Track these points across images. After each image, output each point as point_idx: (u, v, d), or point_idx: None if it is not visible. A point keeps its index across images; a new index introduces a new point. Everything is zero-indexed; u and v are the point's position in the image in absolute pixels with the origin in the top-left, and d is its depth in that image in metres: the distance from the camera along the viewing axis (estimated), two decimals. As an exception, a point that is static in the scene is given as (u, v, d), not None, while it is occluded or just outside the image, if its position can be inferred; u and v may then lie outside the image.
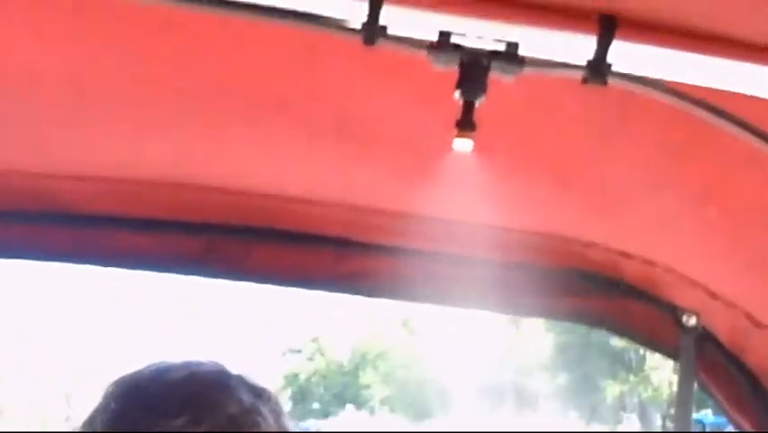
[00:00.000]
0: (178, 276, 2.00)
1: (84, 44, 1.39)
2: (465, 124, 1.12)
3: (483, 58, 1.11)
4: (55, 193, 1.83)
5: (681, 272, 1.83)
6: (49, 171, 1.81)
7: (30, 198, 1.84)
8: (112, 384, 1.24)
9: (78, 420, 1.22)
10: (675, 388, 2.05)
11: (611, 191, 1.64)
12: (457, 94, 1.12)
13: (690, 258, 1.80)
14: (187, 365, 1.24)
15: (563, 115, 1.41)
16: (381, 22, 1.08)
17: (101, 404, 1.20)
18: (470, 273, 1.87)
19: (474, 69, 1.11)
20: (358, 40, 1.09)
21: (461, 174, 1.44)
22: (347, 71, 1.36)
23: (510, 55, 1.11)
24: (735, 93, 1.12)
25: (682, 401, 2.00)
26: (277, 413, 1.23)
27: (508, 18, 1.08)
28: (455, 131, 1.13)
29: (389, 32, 1.10)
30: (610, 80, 1.11)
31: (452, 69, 1.12)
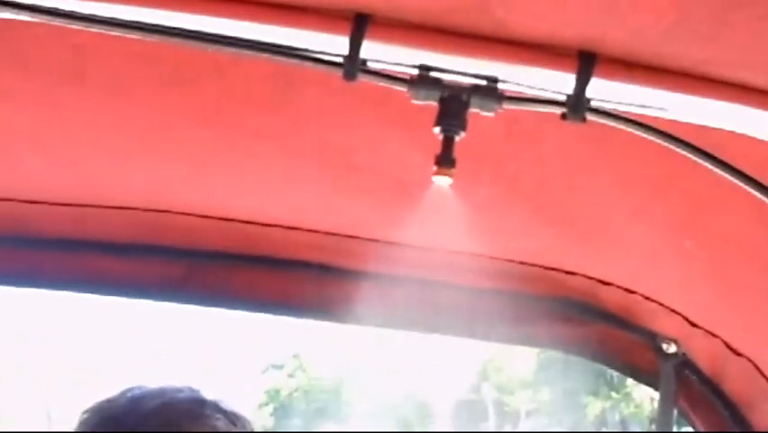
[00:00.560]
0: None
1: (63, 70, 1.38)
2: (445, 160, 1.13)
3: (463, 93, 1.12)
4: (35, 219, 1.83)
5: (660, 301, 1.84)
6: (27, 197, 1.80)
7: (7, 222, 1.83)
8: (87, 412, 1.24)
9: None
10: (656, 405, 2.06)
11: (591, 221, 1.65)
12: (437, 129, 1.13)
13: (668, 287, 1.81)
14: (162, 393, 1.24)
15: (543, 147, 1.41)
16: (362, 55, 1.08)
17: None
18: (450, 301, 1.87)
19: (454, 105, 1.12)
20: (338, 74, 1.10)
21: (441, 203, 1.44)
22: (328, 101, 1.36)
23: (490, 90, 1.11)
24: (712, 128, 1.14)
25: (662, 428, 2.00)
26: None
27: (488, 54, 1.09)
28: (434, 168, 1.13)
29: (370, 65, 1.11)
30: (589, 116, 1.12)
31: (431, 104, 1.12)
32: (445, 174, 1.14)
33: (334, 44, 1.09)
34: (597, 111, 1.12)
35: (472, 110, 1.12)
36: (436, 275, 1.87)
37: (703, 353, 1.90)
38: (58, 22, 1.10)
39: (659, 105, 1.11)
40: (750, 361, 1.84)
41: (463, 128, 1.13)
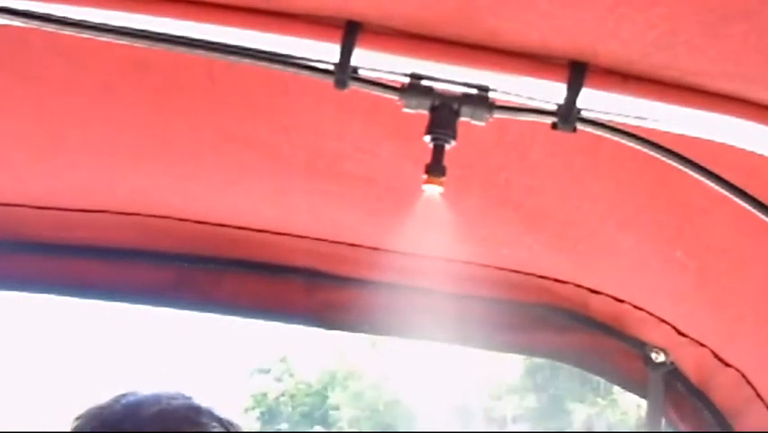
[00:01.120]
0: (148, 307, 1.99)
1: (55, 76, 1.38)
2: (435, 169, 1.13)
3: (454, 102, 1.12)
4: (25, 223, 1.82)
5: (649, 310, 1.84)
6: (18, 201, 1.79)
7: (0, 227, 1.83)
8: (80, 418, 1.22)
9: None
10: (643, 413, 2.07)
11: (581, 230, 1.65)
12: (428, 138, 1.13)
13: (657, 296, 1.81)
14: (157, 400, 1.23)
15: (534, 157, 1.42)
16: (353, 63, 1.08)
17: None
18: (440, 308, 1.87)
19: (445, 114, 1.12)
20: (330, 82, 1.10)
21: (431, 211, 1.44)
22: (319, 110, 1.36)
23: (481, 99, 1.11)
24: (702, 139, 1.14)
25: None
26: None
27: (479, 63, 1.09)
28: (425, 177, 1.13)
29: (361, 73, 1.11)
30: (579, 126, 1.12)
31: (422, 113, 1.12)
32: (436, 183, 1.14)
33: (326, 52, 1.09)
34: (587, 121, 1.12)
35: (463, 119, 1.13)
36: (426, 282, 1.87)
37: (691, 362, 1.91)
38: (50, 28, 1.10)
39: (650, 116, 1.11)
40: (738, 371, 1.84)
41: (454, 137, 1.13)
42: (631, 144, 1.16)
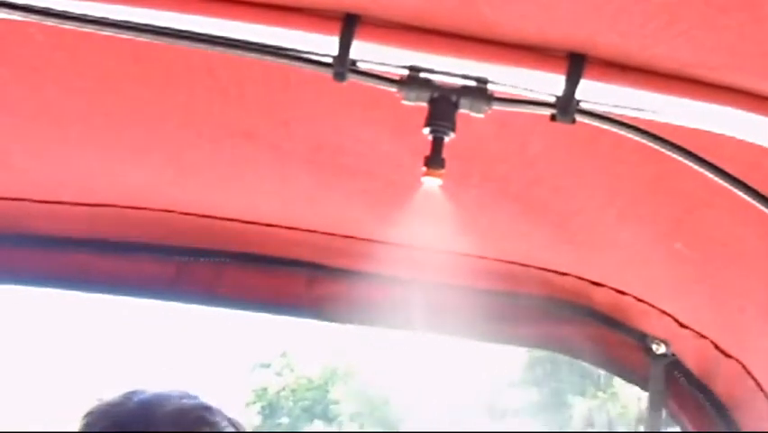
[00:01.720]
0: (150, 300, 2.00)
1: (56, 73, 1.39)
2: (434, 161, 1.13)
3: (453, 94, 1.12)
4: (25, 217, 1.83)
5: (651, 302, 1.84)
6: (19, 195, 1.80)
7: (0, 221, 1.83)
8: (90, 416, 1.21)
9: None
10: (644, 405, 2.07)
11: (581, 222, 1.65)
12: (427, 130, 1.13)
13: (659, 288, 1.81)
14: (168, 399, 1.22)
15: (533, 148, 1.42)
16: (352, 55, 1.09)
17: None
18: (442, 300, 1.87)
19: (443, 106, 1.12)
20: (329, 75, 1.10)
21: (432, 204, 1.45)
22: (319, 103, 1.36)
23: (479, 91, 1.12)
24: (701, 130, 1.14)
25: (652, 427, 2.01)
26: None
27: (478, 55, 1.09)
28: (423, 169, 1.13)
29: (360, 65, 1.11)
30: (578, 118, 1.12)
31: (421, 105, 1.13)
32: (435, 175, 1.14)
33: (325, 45, 1.09)
34: (586, 113, 1.12)
35: (462, 111, 1.13)
36: (426, 275, 1.87)
37: (692, 354, 1.91)
38: (50, 22, 1.10)
39: (648, 107, 1.11)
40: (738, 362, 1.85)
41: (453, 129, 1.13)
42: (630, 136, 1.16)
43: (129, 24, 1.10)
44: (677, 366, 1.95)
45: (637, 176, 1.45)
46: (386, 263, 1.85)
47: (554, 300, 1.90)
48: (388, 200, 1.61)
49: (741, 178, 1.19)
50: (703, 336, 1.85)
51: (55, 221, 1.84)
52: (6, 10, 1.09)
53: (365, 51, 1.09)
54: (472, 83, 1.12)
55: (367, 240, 1.81)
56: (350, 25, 1.07)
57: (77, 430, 1.23)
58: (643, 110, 1.12)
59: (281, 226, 1.85)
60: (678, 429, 2.06)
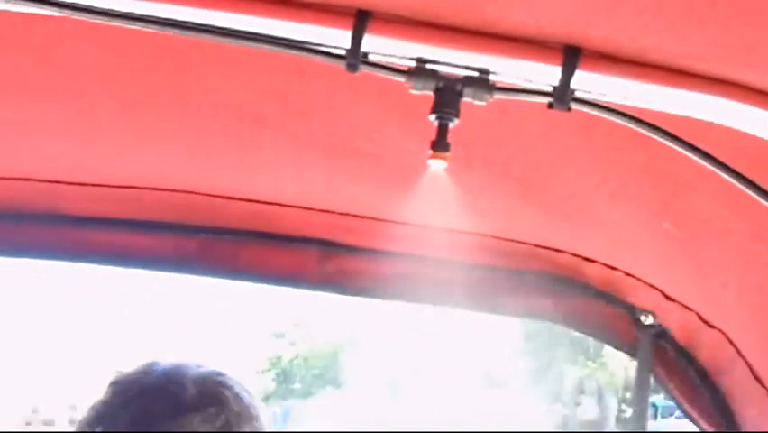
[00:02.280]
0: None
1: (84, 61, 1.39)
2: (440, 145, 1.14)
3: (457, 83, 1.12)
4: (59, 198, 1.84)
5: (639, 277, 1.85)
6: (53, 178, 1.81)
7: (34, 201, 1.84)
8: (115, 384, 1.20)
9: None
10: (630, 374, 2.07)
11: (576, 203, 1.66)
12: (433, 117, 1.14)
13: (647, 264, 1.82)
14: (188, 368, 1.20)
15: (531, 134, 1.42)
16: (363, 48, 1.09)
17: (108, 407, 1.17)
18: (446, 275, 1.88)
19: (448, 94, 1.13)
20: (342, 66, 1.11)
21: (437, 186, 1.45)
22: (333, 92, 1.37)
23: (482, 81, 1.12)
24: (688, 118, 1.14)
25: (639, 393, 2.02)
26: (261, 408, 1.24)
27: (480, 48, 1.10)
28: (430, 153, 1.14)
29: (371, 57, 1.11)
30: (573, 106, 1.13)
31: (427, 94, 1.13)
32: (440, 158, 1.15)
33: (338, 38, 1.09)
34: (581, 101, 1.13)
35: (465, 99, 1.13)
36: (431, 251, 1.88)
37: (678, 324, 1.92)
38: (79, 16, 1.10)
39: (639, 96, 1.12)
40: (721, 332, 1.85)
41: (457, 116, 1.14)
42: (622, 122, 1.17)
43: (154, 18, 1.11)
44: (663, 336, 1.95)
45: (629, 160, 1.45)
46: (394, 241, 1.86)
47: (550, 275, 1.91)
48: (396, 182, 1.61)
49: (725, 161, 1.19)
50: (688, 309, 1.85)
51: (87, 201, 1.85)
52: (40, 5, 1.10)
53: (376, 44, 1.09)
54: (475, 74, 1.12)
55: (377, 219, 1.81)
56: (362, 21, 1.07)
57: (102, 398, 1.21)
58: (634, 98, 1.12)
59: (296, 206, 1.85)
60: (662, 396, 2.07)
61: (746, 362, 1.86)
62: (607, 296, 1.91)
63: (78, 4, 1.10)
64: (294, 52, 1.12)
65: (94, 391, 1.24)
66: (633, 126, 1.17)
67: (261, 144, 1.61)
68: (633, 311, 1.93)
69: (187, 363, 1.21)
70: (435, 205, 1.57)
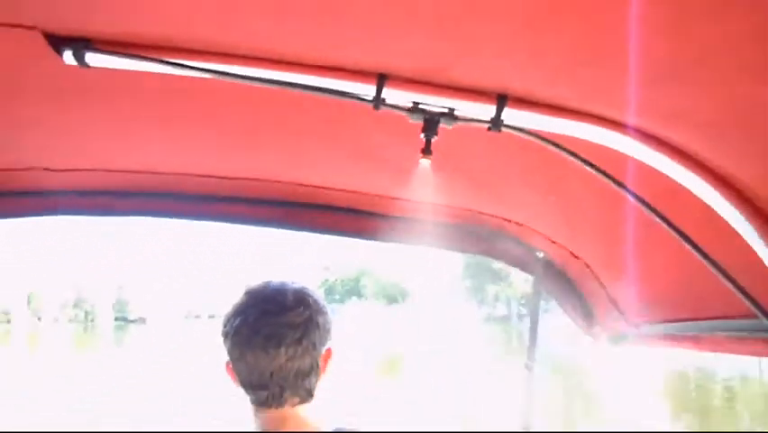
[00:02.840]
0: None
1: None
2: (427, 151, 1.12)
3: (435, 116, 1.10)
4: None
5: (536, 229, 1.83)
6: (146, 169, 1.59)
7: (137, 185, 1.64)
8: (248, 294, 1.14)
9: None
10: (528, 289, 2.04)
11: (507, 191, 1.62)
12: (422, 135, 1.12)
13: (541, 220, 1.79)
14: (288, 284, 1.15)
15: (478, 148, 1.38)
16: (382, 96, 1.07)
17: (242, 306, 1.12)
18: (429, 230, 1.84)
19: (431, 122, 1.11)
20: (369, 106, 1.08)
21: (425, 175, 1.40)
22: (357, 118, 1.32)
23: (450, 115, 1.10)
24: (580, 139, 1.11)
25: (534, 301, 1.99)
26: (328, 308, 1.19)
27: (448, 95, 1.08)
28: (420, 155, 1.12)
29: (387, 100, 1.08)
30: (504, 129, 1.10)
31: (419, 122, 1.11)
32: (427, 158, 1.13)
33: (366, 89, 1.07)
34: (508, 126, 1.10)
35: (441, 125, 1.11)
36: (425, 216, 1.83)
37: (558, 257, 1.90)
38: (157, 69, 0.99)
39: (544, 123, 1.09)
40: (582, 260, 1.84)
41: (436, 134, 1.12)
42: (534, 140, 1.14)
43: (222, 72, 1.01)
44: (549, 264, 1.93)
45: (536, 162, 1.41)
46: (398, 209, 1.82)
47: (489, 230, 1.88)
48: (399, 173, 1.58)
49: (595, 163, 1.16)
50: (563, 247, 1.83)
51: (201, 189, 1.70)
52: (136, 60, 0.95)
53: (390, 93, 1.07)
54: (446, 110, 1.10)
55: (387, 197, 1.78)
56: (382, 80, 1.05)
57: (238, 301, 1.14)
58: (540, 124, 1.10)
59: (327, 188, 1.75)
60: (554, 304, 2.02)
61: (596, 277, 1.84)
62: (517, 241, 1.89)
63: (161, 59, 0.97)
64: (338, 97, 1.08)
65: (227, 300, 1.20)
66: (540, 142, 1.14)
67: (307, 149, 1.51)
68: (531, 249, 1.91)
69: (287, 281, 1.19)
70: (424, 186, 1.54)
